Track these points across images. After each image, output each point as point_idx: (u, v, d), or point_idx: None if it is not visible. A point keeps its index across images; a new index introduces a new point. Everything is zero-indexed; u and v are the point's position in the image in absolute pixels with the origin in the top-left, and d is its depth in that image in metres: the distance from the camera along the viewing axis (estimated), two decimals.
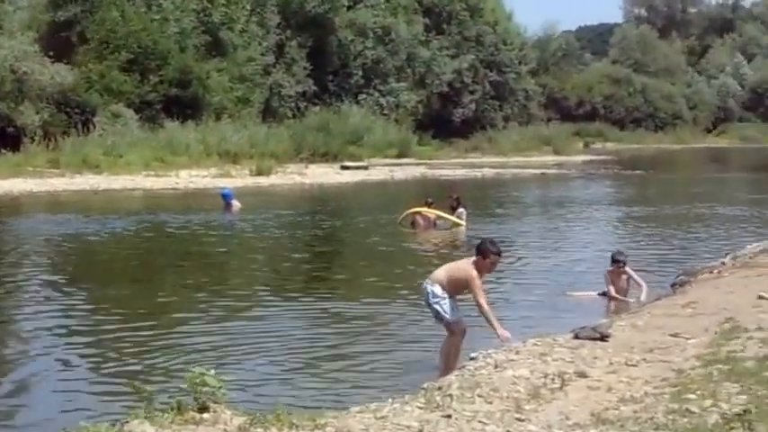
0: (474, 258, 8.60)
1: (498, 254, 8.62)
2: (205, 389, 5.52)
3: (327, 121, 44.13)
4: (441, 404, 5.96)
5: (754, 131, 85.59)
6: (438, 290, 8.55)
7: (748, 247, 13.90)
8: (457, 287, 8.59)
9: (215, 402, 5.53)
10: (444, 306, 8.53)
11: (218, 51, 43.39)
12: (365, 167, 39.64)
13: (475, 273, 8.42)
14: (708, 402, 5.52)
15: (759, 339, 6.94)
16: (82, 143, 34.45)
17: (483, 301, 8.40)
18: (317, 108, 46.44)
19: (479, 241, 9.00)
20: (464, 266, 8.60)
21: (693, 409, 5.43)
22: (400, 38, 52.19)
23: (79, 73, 37.99)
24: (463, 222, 19.83)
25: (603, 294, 12.23)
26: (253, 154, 37.97)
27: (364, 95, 50.27)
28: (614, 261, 12.25)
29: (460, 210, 20.03)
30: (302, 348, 9.72)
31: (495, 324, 8.38)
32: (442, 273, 8.75)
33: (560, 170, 43.28)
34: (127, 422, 5.28)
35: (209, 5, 43.12)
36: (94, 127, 36.02)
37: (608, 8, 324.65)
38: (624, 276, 12.19)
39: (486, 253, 8.52)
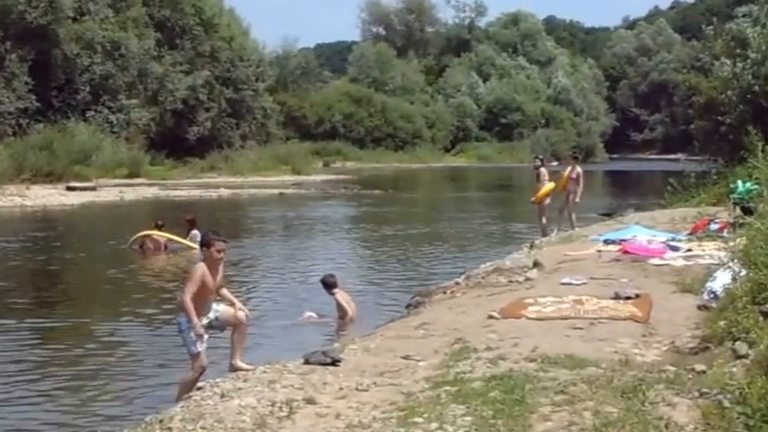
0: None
1: (223, 241, 8.32)
2: None
3: (52, 140, 41.59)
4: None
5: (490, 151, 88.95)
6: (183, 319, 8.06)
7: (481, 266, 14.14)
8: (195, 295, 8.04)
9: None
10: (186, 338, 8.08)
11: None
12: (93, 188, 37.88)
13: (199, 268, 8.07)
14: (434, 425, 5.41)
15: (487, 359, 6.93)
16: None
17: (187, 297, 7.95)
18: (41, 125, 43.86)
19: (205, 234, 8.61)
20: (192, 267, 8.30)
21: None
22: (131, 53, 50.36)
23: None
24: (196, 245, 19.20)
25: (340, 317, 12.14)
26: None
27: (92, 112, 47.97)
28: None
29: (194, 232, 19.38)
30: (23, 378, 9.10)
31: (194, 319, 7.94)
32: (180, 294, 8.33)
33: (299, 190, 43.17)
34: None
35: None
36: None
37: (346, 26, 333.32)
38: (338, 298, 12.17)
39: (209, 243, 8.25)
